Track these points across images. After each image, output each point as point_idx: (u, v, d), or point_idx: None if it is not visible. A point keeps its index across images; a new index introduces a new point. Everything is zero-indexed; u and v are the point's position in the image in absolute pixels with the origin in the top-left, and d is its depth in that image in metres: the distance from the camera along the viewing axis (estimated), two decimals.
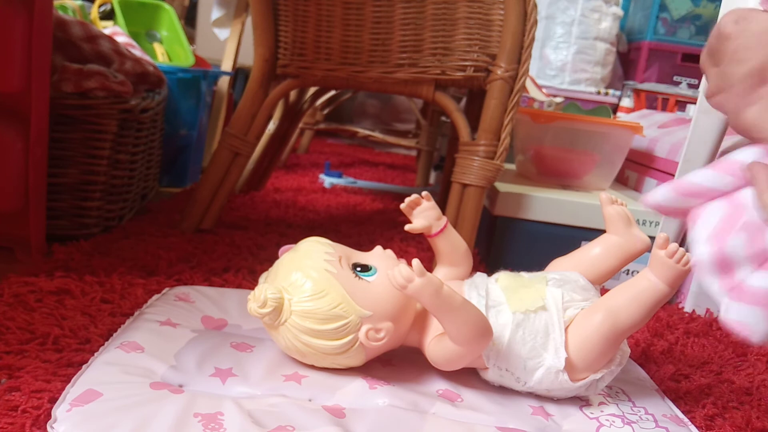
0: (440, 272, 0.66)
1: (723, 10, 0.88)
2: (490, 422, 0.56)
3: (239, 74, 2.04)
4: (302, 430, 0.50)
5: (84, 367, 0.56)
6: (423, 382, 0.61)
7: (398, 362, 0.63)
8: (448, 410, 0.57)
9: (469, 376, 0.63)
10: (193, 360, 0.59)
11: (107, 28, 1.32)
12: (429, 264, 0.82)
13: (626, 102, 2.26)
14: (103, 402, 0.50)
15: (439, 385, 0.61)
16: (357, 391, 0.57)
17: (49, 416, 0.49)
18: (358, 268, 0.60)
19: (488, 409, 0.58)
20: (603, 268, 0.65)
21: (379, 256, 0.62)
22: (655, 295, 0.58)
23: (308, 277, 0.58)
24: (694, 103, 1.89)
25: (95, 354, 0.58)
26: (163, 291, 0.75)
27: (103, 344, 0.61)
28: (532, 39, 0.93)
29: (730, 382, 0.73)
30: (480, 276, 0.65)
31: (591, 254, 0.66)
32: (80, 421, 0.48)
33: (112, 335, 0.63)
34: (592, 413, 0.60)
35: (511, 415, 0.57)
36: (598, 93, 2.53)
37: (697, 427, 0.61)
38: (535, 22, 0.93)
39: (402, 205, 0.64)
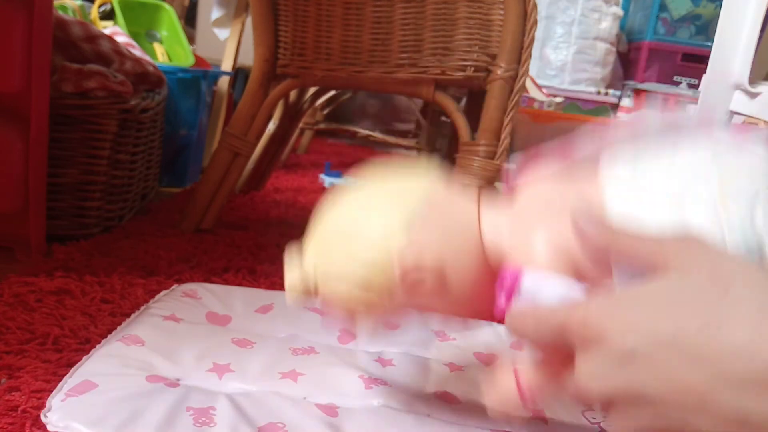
0: None
1: (723, 10, 0.88)
2: (485, 425, 0.55)
3: (239, 74, 2.04)
4: (293, 427, 0.50)
5: (84, 358, 0.56)
6: (420, 382, 0.61)
7: (399, 362, 0.63)
8: (443, 412, 0.56)
9: (466, 379, 0.63)
10: (192, 354, 0.59)
11: (107, 28, 1.31)
12: None
13: (626, 102, 2.26)
14: (97, 393, 0.50)
15: (437, 387, 0.61)
16: (352, 391, 0.57)
17: None
18: None
19: (484, 411, 0.57)
20: None
21: None
22: None
23: None
24: (695, 103, 1.88)
25: (96, 346, 0.59)
26: (172, 287, 0.76)
27: None
28: (532, 39, 0.93)
29: None
30: None
31: None
32: (73, 410, 0.48)
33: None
34: (594, 418, 0.60)
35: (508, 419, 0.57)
36: (598, 93, 2.53)
37: None
38: (535, 22, 0.93)
39: None
